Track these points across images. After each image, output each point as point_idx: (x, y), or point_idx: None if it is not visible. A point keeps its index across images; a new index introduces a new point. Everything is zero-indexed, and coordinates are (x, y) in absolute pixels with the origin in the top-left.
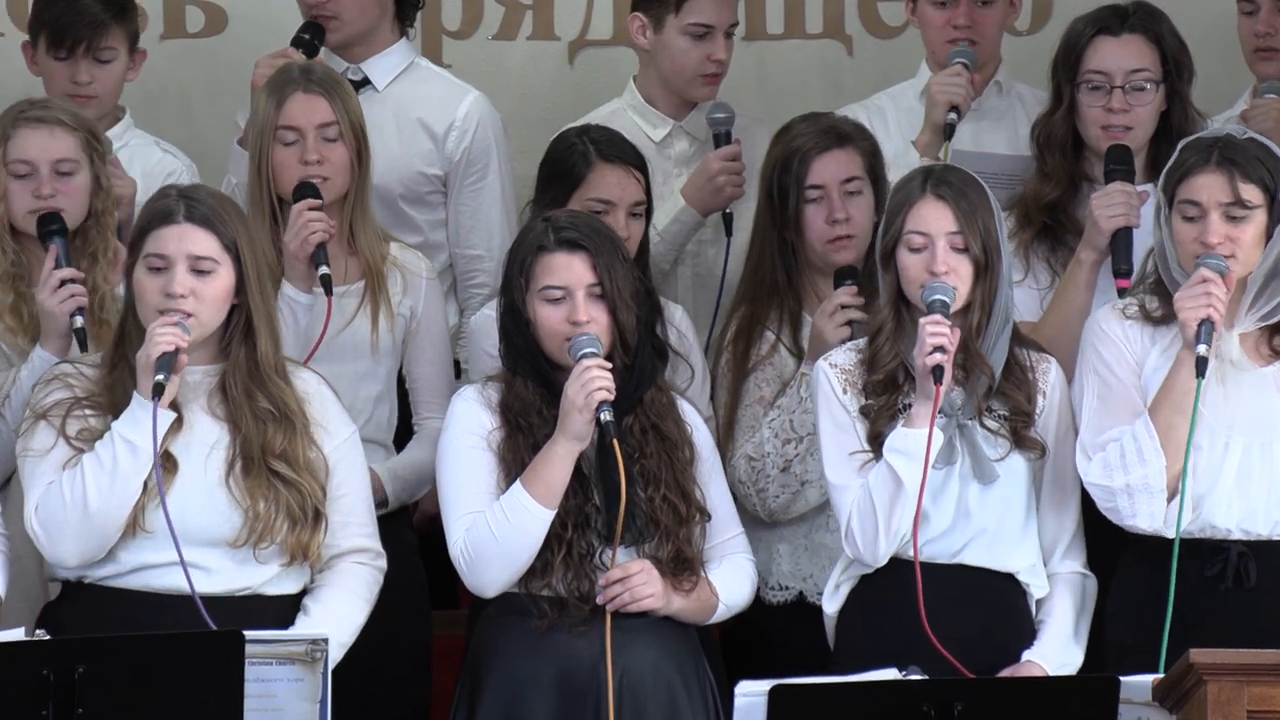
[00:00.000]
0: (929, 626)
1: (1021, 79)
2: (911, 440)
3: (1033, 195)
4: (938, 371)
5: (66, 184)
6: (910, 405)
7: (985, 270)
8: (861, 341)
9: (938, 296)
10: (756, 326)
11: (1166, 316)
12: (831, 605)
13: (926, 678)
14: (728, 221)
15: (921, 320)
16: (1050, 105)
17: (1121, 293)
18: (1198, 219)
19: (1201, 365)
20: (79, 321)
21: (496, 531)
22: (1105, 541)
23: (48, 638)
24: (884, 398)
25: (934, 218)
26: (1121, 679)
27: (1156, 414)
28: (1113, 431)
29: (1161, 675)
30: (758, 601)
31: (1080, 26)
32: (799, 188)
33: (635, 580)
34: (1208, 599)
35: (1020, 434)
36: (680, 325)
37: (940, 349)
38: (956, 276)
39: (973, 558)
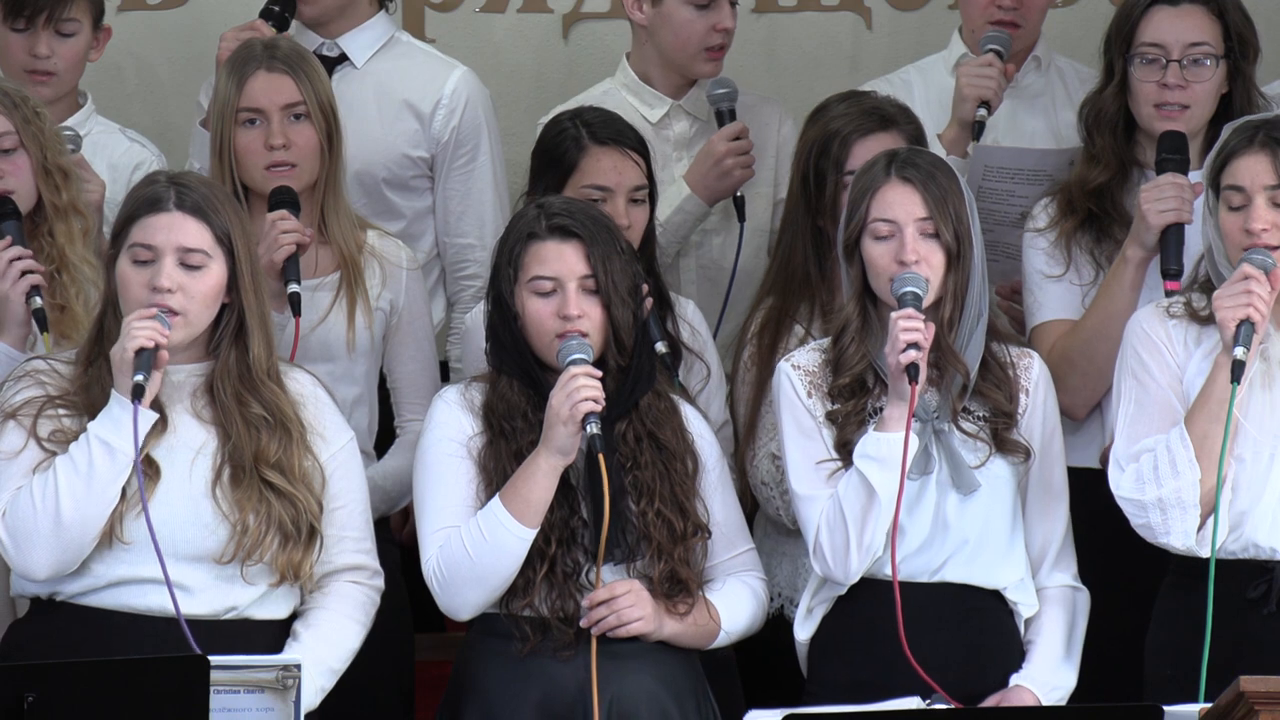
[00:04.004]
0: (910, 651)
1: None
2: (885, 446)
3: (1078, 180)
4: (912, 370)
5: (10, 162)
6: (880, 409)
7: (957, 259)
8: (825, 341)
9: (909, 289)
10: (785, 320)
11: (1213, 316)
12: (804, 632)
13: (953, 706)
14: (739, 206)
15: (892, 315)
16: (1101, 81)
17: (1170, 295)
18: (1242, 206)
19: (1238, 370)
20: (37, 302)
21: (471, 550)
22: (1145, 569)
23: None
24: (851, 402)
25: (901, 203)
26: (1166, 709)
27: (1193, 423)
28: (1147, 441)
29: (1208, 705)
30: (781, 619)
31: None
32: (838, 173)
33: (621, 602)
34: (1252, 624)
35: (1001, 436)
36: (693, 321)
37: (914, 345)
38: (927, 266)
39: (954, 574)
